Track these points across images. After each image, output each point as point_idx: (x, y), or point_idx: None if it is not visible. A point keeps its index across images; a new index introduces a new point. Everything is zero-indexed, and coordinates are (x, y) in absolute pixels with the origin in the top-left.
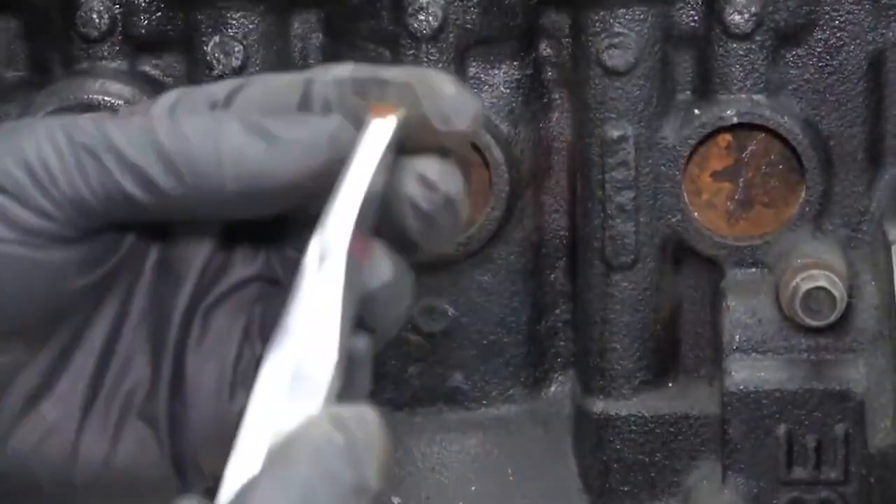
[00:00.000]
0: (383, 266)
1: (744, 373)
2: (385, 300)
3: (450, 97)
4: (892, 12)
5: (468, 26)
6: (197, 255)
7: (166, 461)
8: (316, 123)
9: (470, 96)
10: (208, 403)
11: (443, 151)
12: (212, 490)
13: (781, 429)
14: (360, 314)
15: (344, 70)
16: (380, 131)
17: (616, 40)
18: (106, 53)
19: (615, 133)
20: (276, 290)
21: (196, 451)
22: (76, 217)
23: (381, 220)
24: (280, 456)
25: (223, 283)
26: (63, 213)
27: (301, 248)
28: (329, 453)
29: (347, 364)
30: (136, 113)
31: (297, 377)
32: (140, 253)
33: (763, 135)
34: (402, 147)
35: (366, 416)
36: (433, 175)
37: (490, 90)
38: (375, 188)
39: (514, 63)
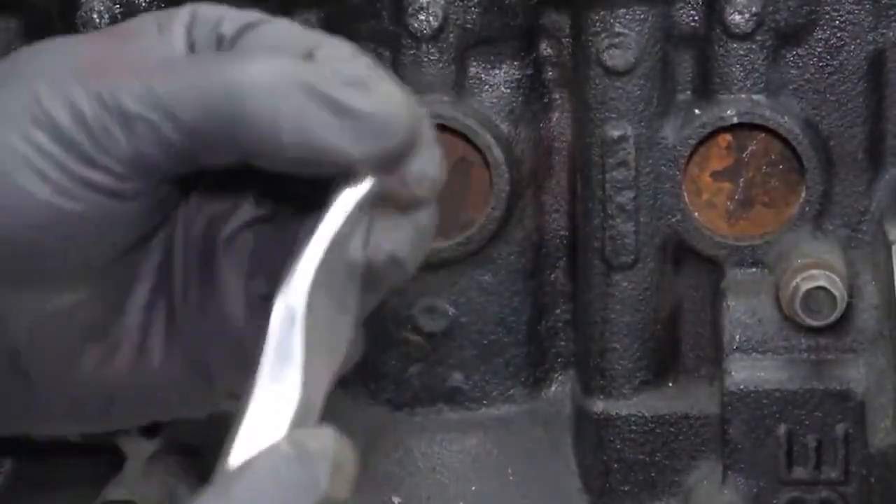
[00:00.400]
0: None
1: (744, 373)
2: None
3: (417, 165)
4: (892, 12)
5: (468, 26)
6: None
7: (197, 377)
8: (384, 99)
9: (435, 158)
10: (229, 323)
11: (399, 204)
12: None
13: (781, 429)
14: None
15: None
16: (351, 195)
17: (616, 40)
18: None
19: (615, 133)
20: (271, 226)
21: (218, 368)
22: (137, 175)
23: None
24: (235, 474)
25: (239, 216)
26: (126, 170)
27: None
28: (285, 467)
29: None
30: (154, 39)
31: (264, 414)
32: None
33: (763, 135)
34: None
35: (324, 434)
36: (381, 233)
37: (490, 90)
38: (345, 251)
39: (515, 63)
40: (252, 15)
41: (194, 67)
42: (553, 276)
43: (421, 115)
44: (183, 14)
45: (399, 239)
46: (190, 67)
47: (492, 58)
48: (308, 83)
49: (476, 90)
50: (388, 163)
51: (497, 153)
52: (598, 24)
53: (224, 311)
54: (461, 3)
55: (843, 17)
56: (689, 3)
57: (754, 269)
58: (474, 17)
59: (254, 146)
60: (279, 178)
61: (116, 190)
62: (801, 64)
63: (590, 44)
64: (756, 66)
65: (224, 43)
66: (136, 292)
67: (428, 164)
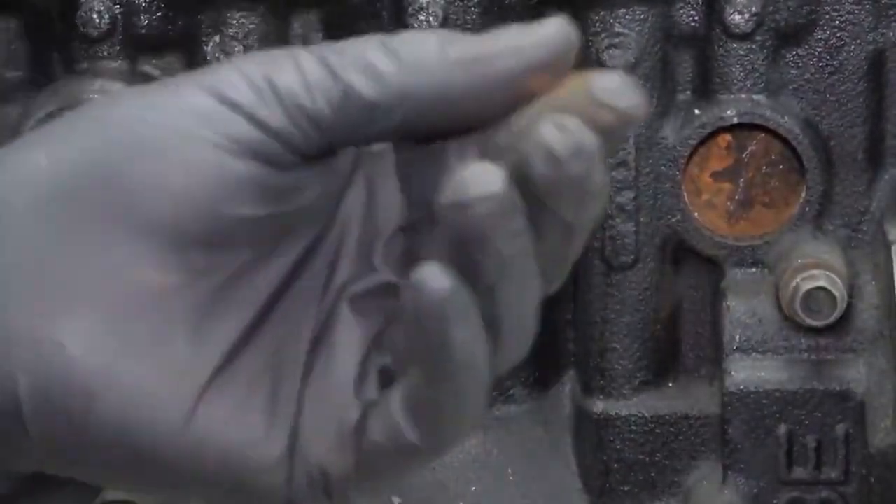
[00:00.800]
0: None
1: (744, 373)
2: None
3: (620, 82)
4: (892, 12)
5: (468, 26)
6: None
7: (279, 446)
8: (542, 24)
9: (638, 90)
10: (333, 398)
11: (599, 128)
12: None
13: (781, 429)
14: None
15: None
16: None
17: (616, 40)
18: (106, 53)
19: None
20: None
21: (310, 447)
22: (311, 133)
23: (512, 169)
24: None
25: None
26: (299, 131)
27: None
28: None
29: None
30: None
31: None
32: (327, 212)
33: (763, 135)
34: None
35: None
36: (571, 125)
37: None
38: None
39: None
40: None
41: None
42: None
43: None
44: None
45: (587, 135)
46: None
47: None
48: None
49: None
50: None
51: None
52: (598, 24)
53: (331, 374)
54: (461, 3)
55: (843, 17)
56: (689, 3)
57: (754, 269)
58: (474, 17)
59: (419, 68)
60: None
61: (279, 155)
62: (801, 64)
63: (589, 44)
64: (756, 66)
65: None
66: (232, 323)
67: (613, 80)
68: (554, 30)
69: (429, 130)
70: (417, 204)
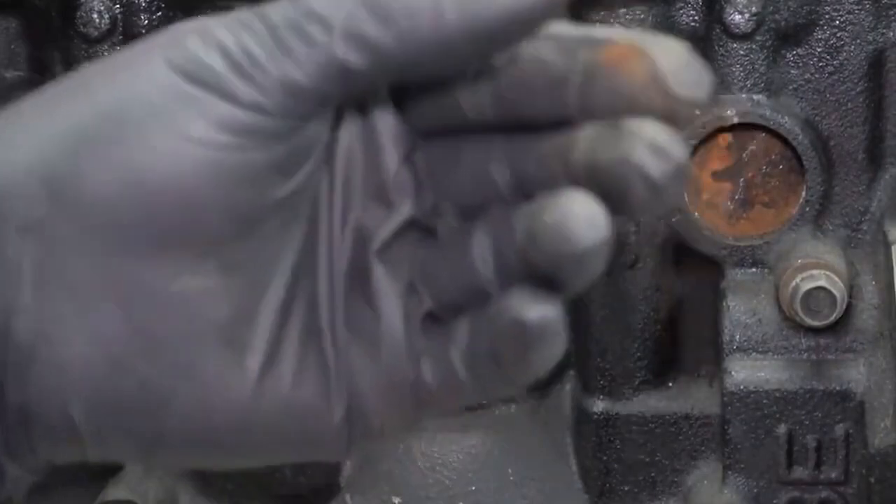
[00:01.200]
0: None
1: (744, 373)
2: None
3: (686, 63)
4: (892, 12)
5: None
6: (383, 170)
7: (340, 410)
8: None
9: (703, 66)
10: (387, 350)
11: (669, 118)
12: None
13: (781, 429)
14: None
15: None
16: None
17: None
18: (106, 53)
19: None
20: (432, 239)
21: (368, 404)
22: (287, 102)
23: (600, 187)
24: None
25: (392, 219)
26: (272, 101)
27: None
28: None
29: None
30: None
31: None
32: (326, 165)
33: (763, 135)
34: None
35: None
36: (664, 143)
37: None
38: None
39: None
40: None
41: None
42: None
43: None
44: None
45: (680, 150)
46: None
47: None
48: None
49: None
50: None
51: None
52: (598, 24)
53: (377, 331)
54: None
55: (843, 17)
56: (689, 3)
57: (754, 269)
58: None
59: (413, 23)
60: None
61: (261, 127)
62: (801, 64)
63: None
64: (756, 66)
65: None
66: (269, 292)
67: (692, 65)
68: None
69: (425, 78)
70: (420, 132)
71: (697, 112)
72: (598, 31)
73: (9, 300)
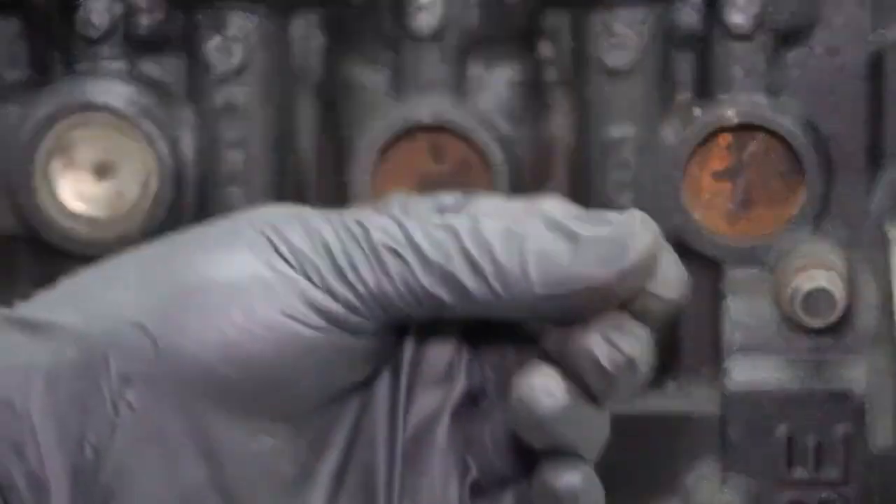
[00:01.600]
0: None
1: (744, 373)
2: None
3: (666, 266)
4: (892, 12)
5: (468, 26)
6: (440, 358)
7: None
8: (618, 221)
9: (680, 267)
10: None
11: (630, 308)
12: None
13: (781, 429)
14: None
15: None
16: None
17: (616, 40)
18: (106, 54)
19: (615, 133)
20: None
21: None
22: (378, 312)
23: (569, 372)
24: None
25: (447, 399)
26: (366, 308)
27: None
28: None
29: None
30: (382, 212)
31: None
32: (395, 349)
33: (763, 135)
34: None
35: None
36: (618, 337)
37: (490, 90)
38: None
39: (515, 63)
40: (460, 196)
41: (448, 221)
42: None
43: (656, 229)
44: (397, 196)
45: (636, 344)
46: (443, 220)
47: (492, 58)
48: (545, 216)
49: (476, 90)
50: (634, 283)
51: (497, 153)
52: (598, 24)
53: (432, 500)
54: (461, 3)
55: (843, 17)
56: (689, 3)
57: (754, 269)
58: (474, 17)
59: (502, 281)
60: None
61: (352, 324)
62: (801, 64)
63: (590, 44)
64: (756, 66)
65: (447, 210)
66: (328, 455)
67: (671, 267)
68: (639, 242)
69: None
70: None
71: (669, 314)
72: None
73: (104, 439)
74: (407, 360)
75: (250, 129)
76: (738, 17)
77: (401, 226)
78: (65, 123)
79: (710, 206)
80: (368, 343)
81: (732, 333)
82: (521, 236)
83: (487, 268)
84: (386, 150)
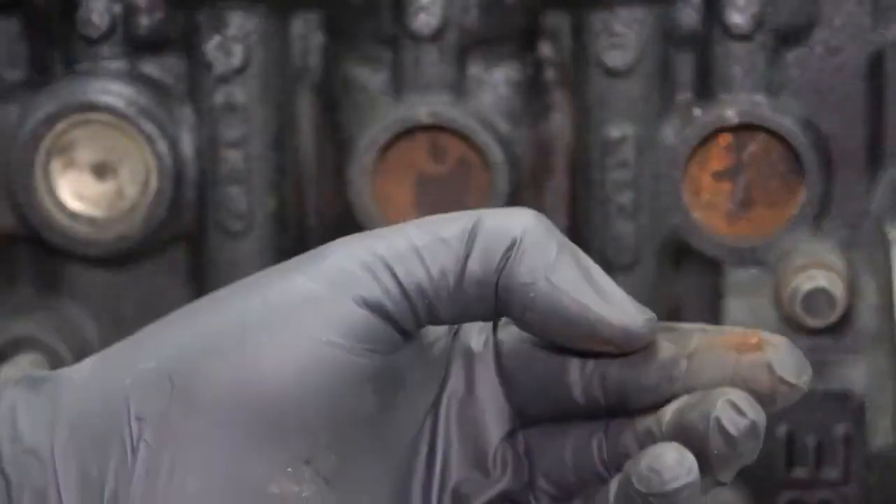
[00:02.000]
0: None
1: None
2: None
3: (792, 353)
4: (892, 12)
5: (468, 26)
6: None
7: None
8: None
9: (806, 361)
10: None
11: (766, 398)
12: None
13: (781, 429)
14: None
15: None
16: None
17: (616, 40)
18: (106, 54)
19: (615, 133)
20: None
21: None
22: (404, 304)
23: (686, 443)
24: None
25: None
26: (392, 301)
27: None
28: None
29: None
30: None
31: None
32: (430, 415)
33: (763, 135)
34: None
35: None
36: (743, 403)
37: (490, 90)
38: None
39: (515, 63)
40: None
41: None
42: None
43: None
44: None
45: (758, 412)
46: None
47: (492, 58)
48: (575, 260)
49: (476, 90)
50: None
51: (497, 153)
52: (598, 24)
53: None
54: (461, 3)
55: (843, 17)
56: (689, 3)
57: (754, 269)
58: (474, 17)
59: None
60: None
61: (388, 310)
62: (801, 64)
63: (589, 44)
64: (756, 66)
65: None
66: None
67: (792, 353)
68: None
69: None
70: (524, 414)
71: (790, 399)
72: (711, 327)
73: (122, 479)
74: (443, 429)
75: (250, 128)
76: (737, 17)
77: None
78: (65, 123)
79: (710, 206)
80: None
81: None
82: (560, 277)
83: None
84: (386, 149)
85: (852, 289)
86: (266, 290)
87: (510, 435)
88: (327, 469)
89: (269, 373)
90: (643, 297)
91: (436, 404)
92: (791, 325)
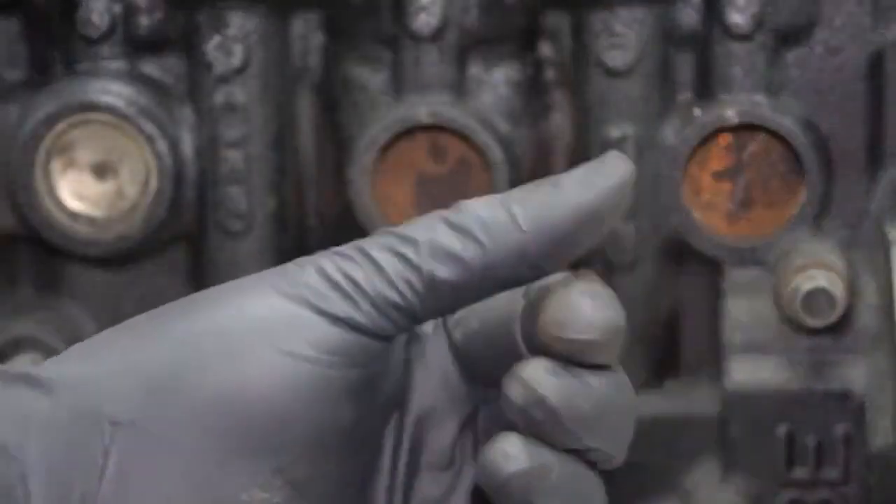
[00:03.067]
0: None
1: (744, 373)
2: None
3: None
4: (892, 12)
5: (468, 26)
6: (441, 444)
7: None
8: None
9: (606, 310)
10: None
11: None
12: None
13: (781, 429)
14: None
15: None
16: None
17: (616, 40)
18: (106, 54)
19: (615, 133)
20: None
21: None
22: (377, 317)
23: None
24: None
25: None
26: (364, 315)
27: None
28: None
29: None
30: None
31: None
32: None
33: (763, 135)
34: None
35: None
36: (529, 378)
37: (490, 90)
38: None
39: (515, 63)
40: None
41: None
42: None
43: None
44: None
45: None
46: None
47: (492, 58)
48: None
49: (476, 90)
50: (616, 203)
51: (497, 153)
52: (598, 24)
53: None
54: (461, 3)
55: (843, 17)
56: (689, 3)
57: (754, 269)
58: (474, 17)
59: (488, 237)
60: None
61: (357, 346)
62: (801, 64)
63: (589, 44)
64: (756, 66)
65: None
66: None
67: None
68: (614, 168)
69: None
70: (485, 385)
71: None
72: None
73: (91, 487)
74: (405, 449)
75: (250, 128)
76: (737, 17)
77: (385, 231)
78: (65, 123)
79: (710, 206)
80: (361, 373)
81: (732, 333)
82: (504, 195)
83: (473, 225)
84: (386, 149)
85: (852, 289)
86: (242, 300)
87: (472, 419)
88: (299, 477)
89: (245, 385)
90: (643, 297)
91: (400, 402)
92: (791, 325)
